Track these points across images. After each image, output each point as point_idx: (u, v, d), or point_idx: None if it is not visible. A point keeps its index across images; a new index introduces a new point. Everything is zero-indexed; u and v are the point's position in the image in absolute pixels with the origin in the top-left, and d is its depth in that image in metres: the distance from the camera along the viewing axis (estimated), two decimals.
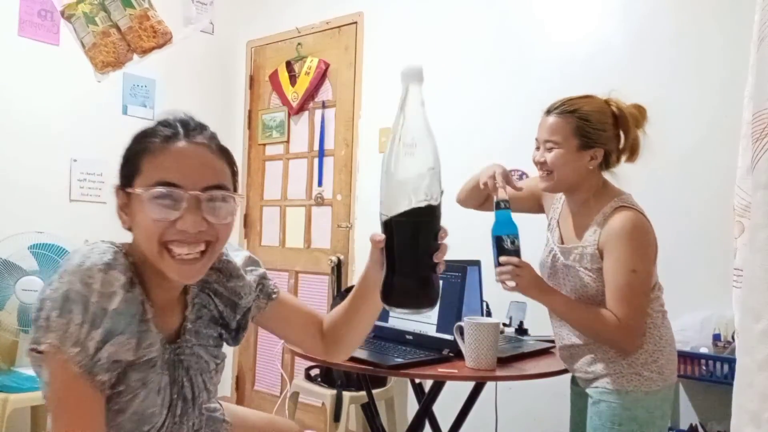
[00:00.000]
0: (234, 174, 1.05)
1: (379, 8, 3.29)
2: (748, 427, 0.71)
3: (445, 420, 2.20)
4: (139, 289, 0.96)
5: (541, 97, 1.74)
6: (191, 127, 1.00)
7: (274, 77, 3.76)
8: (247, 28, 3.93)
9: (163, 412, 1.01)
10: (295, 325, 1.22)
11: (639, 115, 1.61)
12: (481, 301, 2.02)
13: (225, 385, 3.85)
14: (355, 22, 3.41)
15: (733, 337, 2.05)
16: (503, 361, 1.81)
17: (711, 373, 2.05)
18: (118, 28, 1.95)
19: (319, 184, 3.57)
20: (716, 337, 2.11)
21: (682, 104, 2.33)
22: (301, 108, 3.65)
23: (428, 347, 1.92)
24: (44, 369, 0.91)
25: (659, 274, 1.65)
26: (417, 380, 2.32)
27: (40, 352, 0.89)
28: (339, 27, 3.49)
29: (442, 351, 1.87)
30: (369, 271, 1.03)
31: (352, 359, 1.69)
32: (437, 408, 2.17)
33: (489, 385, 2.18)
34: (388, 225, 0.88)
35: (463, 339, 1.76)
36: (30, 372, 2.44)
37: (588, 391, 1.63)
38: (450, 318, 1.89)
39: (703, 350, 2.09)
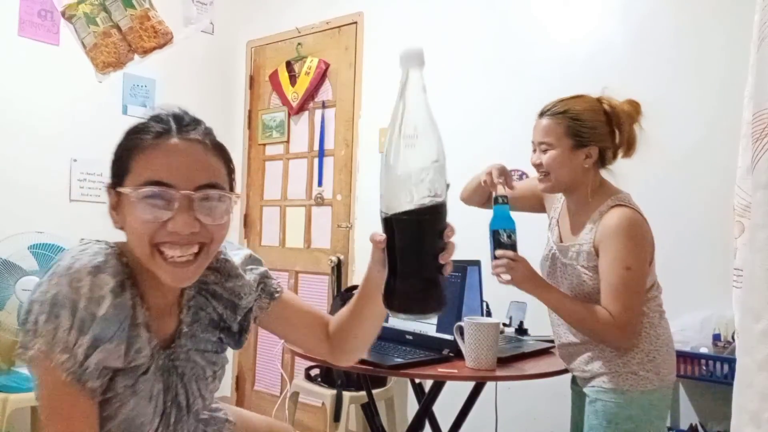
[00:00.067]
0: (230, 172, 1.00)
1: (379, 8, 3.29)
2: (748, 427, 0.71)
3: (445, 420, 2.20)
4: (129, 293, 0.93)
5: (541, 97, 1.74)
6: (185, 123, 0.95)
7: (274, 77, 3.76)
8: (247, 28, 3.93)
9: (155, 421, 0.97)
10: (299, 327, 1.17)
11: (633, 110, 1.62)
12: (481, 301, 2.02)
13: (225, 385, 3.86)
14: (355, 22, 3.41)
15: (733, 337, 2.05)
16: (503, 361, 1.81)
17: (711, 373, 2.04)
18: (119, 29, 1.95)
19: (319, 184, 3.57)
20: (716, 337, 2.11)
21: (682, 104, 2.33)
22: (301, 108, 3.65)
23: (428, 347, 1.92)
24: (34, 372, 0.89)
25: (659, 274, 1.65)
26: (417, 380, 2.32)
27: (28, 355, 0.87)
28: (339, 27, 3.49)
29: (442, 351, 1.87)
30: (371, 272, 0.98)
31: None
32: (437, 408, 2.17)
33: (489, 385, 2.18)
34: (389, 224, 0.81)
35: (463, 339, 1.76)
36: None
37: (585, 390, 1.63)
38: (450, 318, 1.90)
39: (703, 350, 2.09)
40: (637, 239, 1.52)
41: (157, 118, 0.94)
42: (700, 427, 2.16)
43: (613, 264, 1.51)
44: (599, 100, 1.62)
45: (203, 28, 3.00)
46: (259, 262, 1.16)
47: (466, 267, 1.97)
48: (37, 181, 3.09)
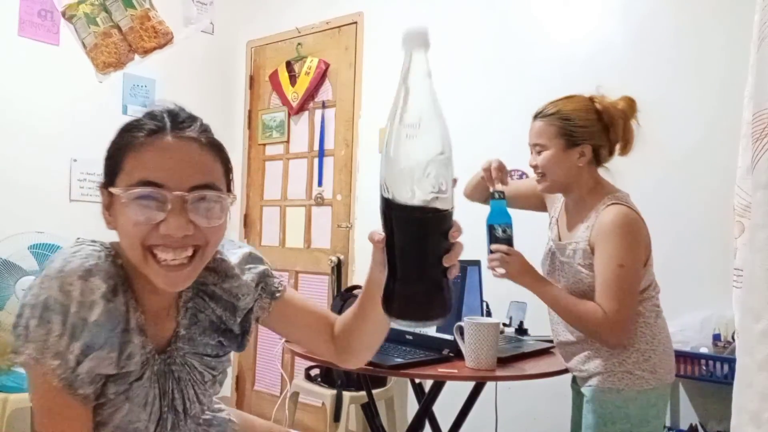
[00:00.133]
0: (227, 171, 0.96)
1: (379, 8, 3.29)
2: (748, 427, 0.71)
3: (445, 420, 2.20)
4: (122, 297, 0.90)
5: (541, 97, 1.74)
6: (180, 120, 0.90)
7: (274, 77, 3.76)
8: (247, 28, 3.93)
9: (150, 427, 0.95)
10: (302, 328, 1.12)
11: (627, 107, 1.63)
12: (481, 301, 2.02)
13: (225, 385, 3.85)
14: (355, 22, 3.41)
15: (733, 337, 2.05)
16: (503, 361, 1.81)
17: (711, 373, 2.04)
18: (119, 29, 1.95)
19: (319, 184, 3.57)
20: (716, 337, 2.11)
21: (682, 104, 2.33)
22: (301, 108, 3.65)
23: (428, 347, 1.92)
24: (27, 376, 0.87)
25: (659, 274, 1.66)
26: (417, 380, 2.32)
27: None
28: (339, 27, 3.49)
29: (442, 351, 1.87)
30: (373, 273, 0.92)
31: None
32: (437, 408, 2.17)
33: (489, 385, 2.18)
34: (388, 222, 0.74)
35: (463, 339, 1.76)
36: None
37: (582, 389, 1.65)
38: (450, 318, 1.89)
39: (703, 350, 2.09)
40: (632, 237, 1.53)
41: (151, 115, 0.90)
42: (700, 427, 2.16)
43: (607, 261, 1.52)
44: (591, 99, 1.64)
45: (203, 28, 2.99)
46: (260, 260, 1.11)
47: (466, 267, 1.97)
48: (37, 181, 3.09)
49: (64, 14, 2.02)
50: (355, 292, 2.66)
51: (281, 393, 3.58)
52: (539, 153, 1.64)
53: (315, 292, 3.51)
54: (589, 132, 1.60)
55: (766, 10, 0.81)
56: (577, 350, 1.65)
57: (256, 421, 1.36)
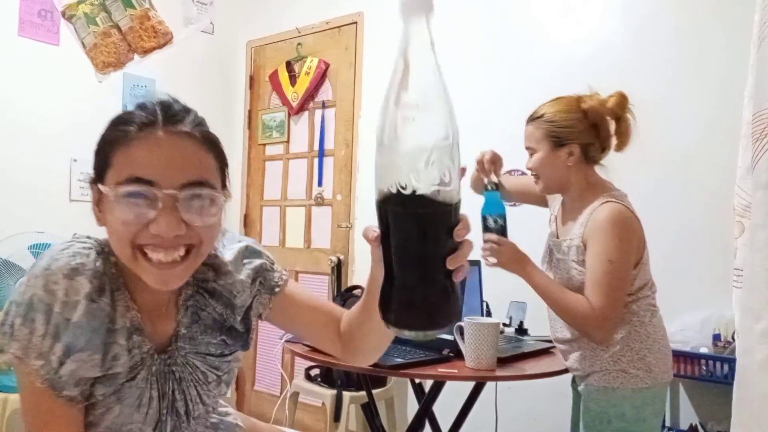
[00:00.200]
0: (223, 167, 0.91)
1: (379, 8, 3.29)
2: (748, 427, 0.71)
3: (445, 420, 2.20)
4: (108, 297, 0.86)
5: (541, 97, 1.75)
6: (172, 112, 0.86)
7: (274, 77, 3.76)
8: (247, 28, 3.93)
9: (146, 430, 0.91)
10: (305, 324, 1.06)
11: (616, 104, 1.64)
12: (481, 301, 2.02)
13: None
14: (355, 22, 3.41)
15: (733, 337, 2.05)
16: (503, 361, 1.81)
17: (711, 373, 2.05)
18: (119, 29, 1.95)
19: (319, 184, 3.57)
20: (716, 337, 2.11)
21: (682, 104, 2.33)
22: (301, 108, 3.65)
23: (428, 347, 1.92)
24: (15, 374, 0.86)
25: (659, 274, 1.66)
26: (417, 380, 2.32)
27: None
28: (339, 27, 3.49)
29: (442, 351, 1.87)
30: (374, 271, 0.84)
31: None
32: (437, 408, 2.17)
33: (489, 385, 2.18)
34: (384, 218, 0.64)
35: (463, 339, 1.76)
36: None
37: (579, 388, 1.67)
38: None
39: (703, 350, 2.09)
40: (623, 234, 1.54)
41: (142, 107, 0.85)
42: (700, 427, 2.16)
43: (597, 256, 1.54)
44: (579, 99, 1.66)
45: (203, 28, 2.99)
46: (257, 254, 1.04)
47: None
48: (37, 181, 3.09)
49: (63, 14, 2.02)
50: (356, 292, 2.66)
51: (281, 393, 3.58)
52: (531, 156, 1.69)
53: (315, 293, 3.50)
54: (575, 132, 1.63)
55: (766, 10, 0.81)
56: (573, 348, 1.66)
57: (265, 427, 1.33)
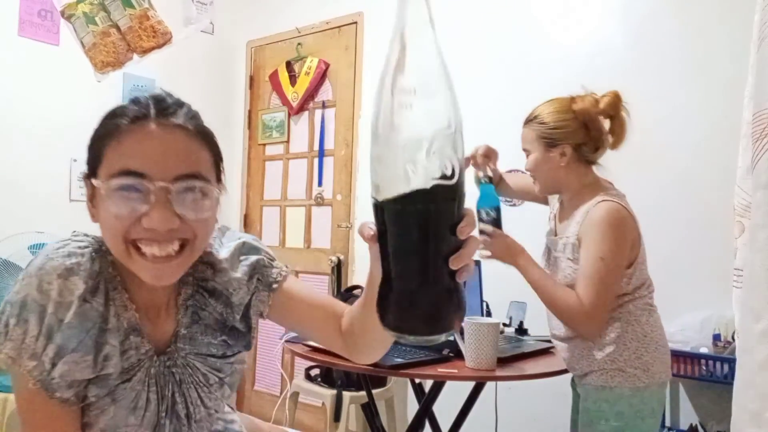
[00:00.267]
0: (217, 161, 0.89)
1: (379, 8, 3.29)
2: (749, 427, 0.71)
3: (445, 420, 2.20)
4: (102, 297, 0.85)
5: (541, 97, 1.75)
6: (165, 105, 0.84)
7: (274, 77, 3.76)
8: (247, 28, 3.93)
9: None
10: (306, 321, 1.02)
11: (609, 104, 1.65)
12: (481, 301, 2.02)
13: None
14: (355, 22, 3.41)
15: (733, 337, 2.05)
16: (503, 361, 1.81)
17: (711, 373, 2.04)
18: (118, 28, 1.95)
19: (319, 184, 3.57)
20: (716, 337, 2.11)
21: (682, 104, 2.33)
22: (301, 108, 3.64)
23: (428, 347, 1.92)
24: (9, 373, 0.85)
25: (660, 274, 1.66)
26: (417, 380, 2.32)
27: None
28: (339, 27, 3.49)
29: (442, 351, 1.87)
30: (372, 269, 0.78)
31: None
32: (437, 408, 2.17)
33: (489, 385, 2.18)
34: (380, 213, 0.60)
35: (463, 339, 1.76)
36: None
37: (578, 388, 1.68)
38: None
39: (703, 350, 2.09)
40: (617, 232, 1.55)
41: (135, 101, 0.84)
42: (700, 427, 2.16)
43: (589, 253, 1.56)
44: (572, 100, 1.67)
45: (203, 28, 2.99)
46: (255, 250, 1.01)
47: None
48: (37, 181, 3.09)
49: (62, 13, 2.01)
50: (356, 292, 2.66)
51: (281, 393, 3.58)
52: (527, 157, 1.72)
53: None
54: (566, 132, 1.64)
55: (766, 10, 0.81)
56: (570, 346, 1.67)
57: (265, 426, 1.32)
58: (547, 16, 2.71)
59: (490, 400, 2.38)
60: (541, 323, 1.79)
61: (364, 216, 3.30)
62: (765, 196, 0.73)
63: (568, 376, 1.78)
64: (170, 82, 3.72)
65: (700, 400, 2.23)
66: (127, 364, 0.88)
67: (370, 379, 2.41)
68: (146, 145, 0.81)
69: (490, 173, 1.79)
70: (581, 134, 1.64)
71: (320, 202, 3.54)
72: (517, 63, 2.77)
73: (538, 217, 1.93)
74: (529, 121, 1.71)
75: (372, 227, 0.62)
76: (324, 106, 3.56)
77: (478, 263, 2.00)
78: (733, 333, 2.04)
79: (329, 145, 3.53)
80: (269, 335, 3.60)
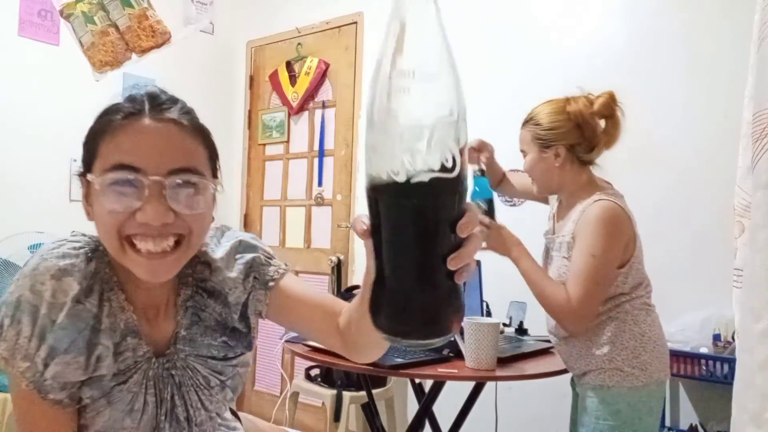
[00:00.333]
0: (212, 157, 0.88)
1: (379, 8, 3.28)
2: (749, 427, 0.71)
3: (445, 420, 2.20)
4: (96, 299, 0.84)
5: (541, 97, 1.75)
6: (160, 101, 0.84)
7: (274, 77, 3.76)
8: (247, 28, 3.93)
9: None
10: (303, 319, 0.99)
11: (602, 105, 1.66)
12: (481, 301, 2.02)
13: None
14: (355, 22, 3.41)
15: (733, 337, 2.05)
16: (503, 361, 1.81)
17: (711, 373, 2.04)
18: (117, 28, 1.94)
19: (319, 184, 3.57)
20: (716, 337, 2.11)
21: (682, 104, 2.33)
22: (301, 108, 3.64)
23: (428, 347, 1.92)
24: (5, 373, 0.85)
25: (659, 274, 1.66)
26: (417, 380, 2.32)
27: None
28: (339, 27, 3.49)
29: (442, 351, 1.87)
30: (369, 267, 0.71)
31: None
32: (437, 408, 2.17)
33: (489, 385, 2.18)
34: (373, 206, 0.55)
35: (463, 339, 1.76)
36: None
37: (577, 388, 1.69)
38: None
39: (703, 350, 2.09)
40: (609, 231, 1.56)
41: (130, 98, 0.85)
42: (700, 427, 2.16)
43: (580, 250, 1.57)
44: (567, 101, 1.68)
45: (203, 28, 2.99)
46: (251, 248, 0.99)
47: None
48: (37, 181, 3.09)
49: (61, 13, 2.01)
50: (356, 292, 2.66)
51: (281, 393, 3.58)
52: (524, 158, 1.74)
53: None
54: (560, 133, 1.65)
55: (766, 10, 0.81)
56: (568, 345, 1.68)
57: (265, 425, 1.31)
58: (547, 17, 2.70)
59: (490, 400, 2.38)
60: (541, 323, 1.79)
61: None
62: (765, 196, 0.73)
63: (568, 376, 1.78)
64: (170, 82, 3.69)
65: (700, 400, 2.23)
66: (123, 365, 0.87)
67: (370, 379, 2.41)
68: (140, 140, 0.81)
69: (482, 166, 1.81)
70: (575, 135, 1.65)
71: (320, 202, 3.54)
72: (517, 63, 2.77)
73: (539, 216, 1.93)
74: (525, 122, 1.72)
75: (366, 221, 0.57)
76: (324, 106, 3.56)
77: (478, 262, 2.00)
78: (733, 333, 2.04)
79: (329, 145, 3.53)
80: (269, 335, 3.60)
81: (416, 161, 0.50)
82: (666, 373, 1.63)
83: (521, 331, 2.30)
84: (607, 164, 1.72)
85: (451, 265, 0.54)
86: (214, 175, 0.88)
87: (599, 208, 1.57)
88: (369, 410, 2.33)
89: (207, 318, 0.95)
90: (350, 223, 3.32)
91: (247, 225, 3.93)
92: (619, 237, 1.57)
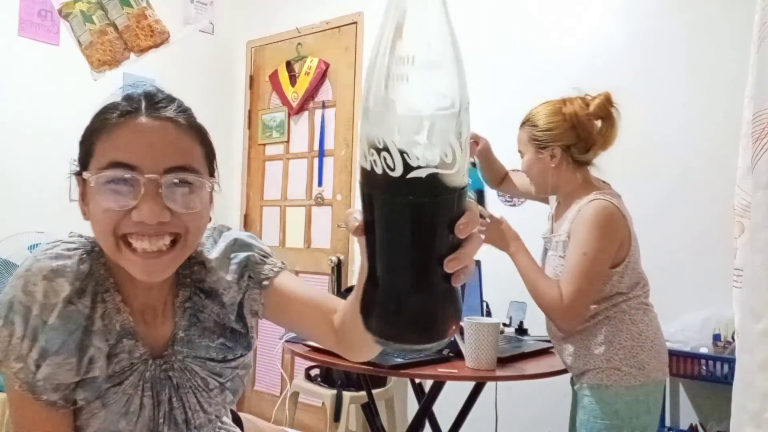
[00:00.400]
0: (209, 156, 0.88)
1: (379, 8, 3.25)
2: (749, 427, 0.71)
3: (445, 420, 2.20)
4: (88, 300, 0.83)
5: (541, 98, 1.75)
6: (156, 100, 0.84)
7: (274, 77, 3.76)
8: (247, 28, 3.92)
9: None
10: (297, 318, 0.96)
11: (598, 106, 1.66)
12: (481, 301, 2.02)
13: None
14: (355, 22, 3.41)
15: (733, 337, 2.05)
16: (503, 361, 1.81)
17: (711, 373, 2.04)
18: (116, 27, 1.94)
19: (319, 184, 3.57)
20: (716, 337, 2.11)
21: (682, 104, 2.33)
22: (301, 108, 3.64)
23: (421, 352, 1.92)
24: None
25: (659, 274, 1.67)
26: (417, 380, 2.32)
27: None
28: (339, 27, 3.49)
29: (442, 351, 1.87)
30: (363, 268, 0.69)
31: None
32: (437, 408, 2.17)
33: (489, 385, 2.18)
34: (367, 202, 0.51)
35: (463, 339, 1.76)
36: None
37: (575, 387, 1.69)
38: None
39: (703, 350, 2.09)
40: (603, 229, 1.56)
41: (127, 97, 0.84)
42: (700, 427, 2.15)
43: (573, 248, 1.58)
44: (563, 102, 1.69)
45: (203, 28, 2.99)
46: (246, 246, 0.97)
47: None
48: (37, 181, 3.08)
49: (60, 12, 2.01)
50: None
51: (281, 393, 3.58)
52: (521, 158, 1.76)
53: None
54: (555, 134, 1.67)
55: (766, 10, 0.81)
56: (567, 345, 1.68)
57: (265, 425, 1.31)
58: (547, 17, 2.70)
59: (490, 400, 2.38)
60: (541, 323, 1.80)
61: None
62: (765, 196, 0.73)
63: (568, 376, 1.78)
64: (171, 82, 3.69)
65: (700, 400, 2.23)
66: (118, 367, 0.86)
67: (370, 379, 2.41)
68: (136, 138, 0.80)
69: (474, 159, 1.83)
70: (570, 136, 1.66)
71: (320, 202, 3.54)
72: (517, 63, 2.77)
73: (540, 216, 1.93)
74: (523, 123, 1.74)
75: (359, 217, 0.52)
76: (324, 106, 3.56)
77: (477, 262, 2.00)
78: (733, 333, 2.04)
79: (329, 145, 3.53)
80: (269, 335, 3.60)
81: (413, 155, 0.46)
82: (664, 372, 1.64)
83: (521, 331, 2.30)
84: (608, 164, 1.72)
85: (449, 267, 0.50)
86: (211, 174, 0.88)
87: (593, 207, 1.58)
88: (369, 410, 2.33)
89: (206, 319, 0.94)
90: (344, 219, 3.33)
91: (247, 225, 3.93)
92: (612, 236, 1.58)
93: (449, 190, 0.48)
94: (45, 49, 3.12)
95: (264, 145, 3.88)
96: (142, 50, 1.96)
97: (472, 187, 1.75)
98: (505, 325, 2.30)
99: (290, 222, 3.73)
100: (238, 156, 3.94)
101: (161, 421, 0.89)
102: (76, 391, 0.84)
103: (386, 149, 0.46)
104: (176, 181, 0.80)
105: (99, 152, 0.81)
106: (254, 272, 0.95)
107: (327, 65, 3.52)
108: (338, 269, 3.37)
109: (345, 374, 2.68)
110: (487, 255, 1.67)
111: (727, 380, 1.96)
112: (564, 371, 1.76)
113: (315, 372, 2.86)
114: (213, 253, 0.95)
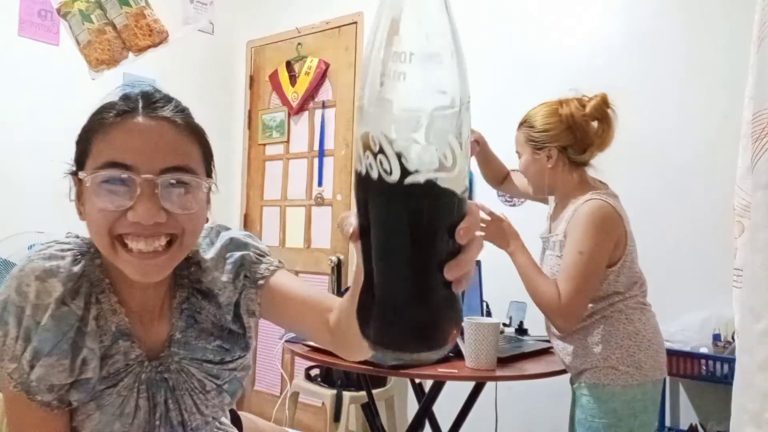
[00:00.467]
0: (207, 156, 0.87)
1: None
2: (748, 427, 0.71)
3: (445, 420, 2.20)
4: (82, 300, 0.83)
5: (540, 98, 1.75)
6: (153, 100, 0.83)
7: (274, 77, 3.76)
8: (247, 28, 3.92)
9: None
10: (294, 316, 0.95)
11: (594, 107, 1.67)
12: (481, 301, 2.02)
13: None
14: (355, 22, 3.41)
15: (733, 337, 2.05)
16: (503, 361, 1.81)
17: (711, 373, 2.04)
18: (114, 26, 1.94)
19: (319, 184, 3.57)
20: (716, 337, 2.11)
21: (682, 104, 2.33)
22: (301, 108, 3.64)
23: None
24: None
25: (659, 274, 1.67)
26: (417, 380, 2.32)
27: None
28: (339, 27, 3.49)
29: None
30: (359, 270, 0.65)
31: None
32: (437, 408, 2.17)
33: (489, 385, 2.18)
34: (362, 206, 0.48)
35: (463, 339, 1.76)
36: None
37: (574, 386, 1.70)
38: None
39: (703, 350, 2.09)
40: (599, 228, 1.57)
41: (124, 96, 0.84)
42: (700, 427, 2.15)
43: (569, 248, 1.59)
44: (559, 103, 1.70)
45: (202, 28, 2.99)
46: (242, 245, 0.96)
47: None
48: (37, 181, 3.07)
49: (59, 11, 2.00)
50: None
51: (281, 393, 3.58)
52: (519, 159, 1.77)
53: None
54: (552, 135, 1.68)
55: (766, 10, 0.81)
56: (565, 344, 1.69)
57: (266, 425, 1.31)
58: (547, 17, 2.70)
59: (490, 400, 2.37)
60: (540, 323, 1.80)
61: None
62: (765, 196, 0.73)
63: (568, 376, 1.78)
64: (170, 82, 3.70)
65: (700, 400, 2.22)
66: (112, 369, 0.85)
67: (370, 379, 2.41)
68: (132, 137, 0.79)
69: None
70: (567, 137, 1.67)
71: (320, 202, 3.54)
72: (517, 63, 2.77)
73: (540, 216, 1.93)
74: (520, 124, 1.75)
75: (354, 222, 0.50)
76: (324, 106, 3.56)
77: (478, 262, 2.00)
78: (733, 333, 2.04)
79: (329, 145, 3.53)
80: (269, 335, 3.60)
81: (411, 158, 0.43)
82: (662, 371, 1.64)
83: (521, 331, 2.30)
84: (607, 164, 1.72)
85: (449, 273, 0.47)
86: (209, 175, 0.87)
87: (589, 207, 1.59)
88: (369, 410, 2.33)
89: (203, 320, 0.93)
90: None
91: (247, 225, 3.93)
92: (608, 235, 1.58)
93: (449, 195, 0.46)
94: (45, 49, 3.12)
95: (264, 145, 3.88)
96: (141, 50, 1.95)
97: None
98: (505, 325, 2.30)
99: (290, 222, 3.73)
100: (238, 156, 3.94)
101: (157, 423, 0.88)
102: (70, 392, 0.84)
103: (382, 152, 0.44)
104: (173, 181, 0.80)
105: (95, 152, 0.80)
106: (250, 271, 0.94)
107: (327, 65, 3.52)
108: (338, 269, 3.37)
109: (345, 374, 2.68)
110: (487, 255, 1.68)
111: (727, 380, 1.96)
112: (563, 371, 1.76)
113: (315, 372, 2.86)
114: (209, 253, 0.94)
